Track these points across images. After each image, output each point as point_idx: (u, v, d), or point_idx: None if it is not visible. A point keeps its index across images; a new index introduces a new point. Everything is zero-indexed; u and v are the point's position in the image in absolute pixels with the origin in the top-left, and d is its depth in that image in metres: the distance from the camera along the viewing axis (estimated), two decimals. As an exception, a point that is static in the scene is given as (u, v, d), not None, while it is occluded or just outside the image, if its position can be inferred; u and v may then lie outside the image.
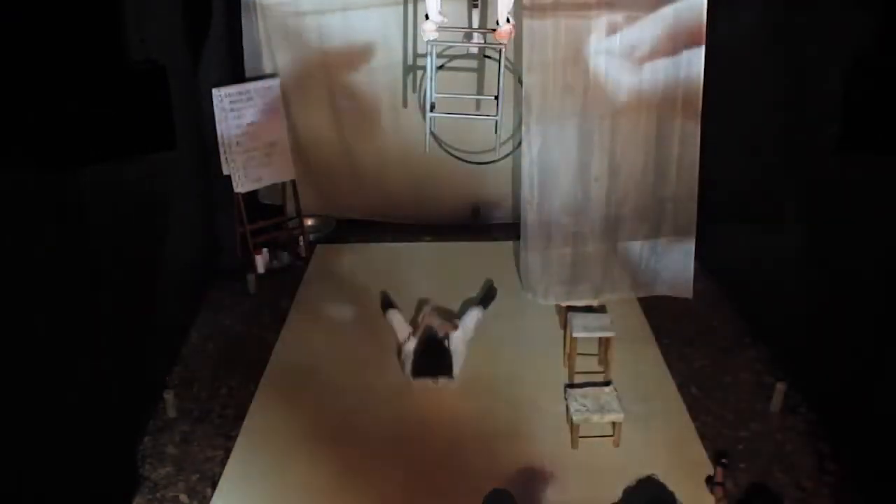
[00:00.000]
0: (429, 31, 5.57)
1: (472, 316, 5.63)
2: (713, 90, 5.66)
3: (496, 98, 5.85)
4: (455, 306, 5.96)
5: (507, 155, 6.96)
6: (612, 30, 5.64)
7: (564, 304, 5.79)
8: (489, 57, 6.64)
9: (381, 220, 7.48)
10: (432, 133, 6.79)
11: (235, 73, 6.79)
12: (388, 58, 6.84)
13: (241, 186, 6.53)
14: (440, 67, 6.71)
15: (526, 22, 5.69)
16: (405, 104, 7.01)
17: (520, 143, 6.72)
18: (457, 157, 7.07)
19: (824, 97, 4.25)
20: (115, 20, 2.98)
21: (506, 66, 5.86)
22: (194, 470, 4.52)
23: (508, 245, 6.92)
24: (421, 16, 5.89)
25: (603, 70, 5.74)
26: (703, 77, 5.60)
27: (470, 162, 7.11)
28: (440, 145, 6.96)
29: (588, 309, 5.60)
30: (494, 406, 4.99)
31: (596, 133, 5.86)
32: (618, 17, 5.62)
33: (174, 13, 5.58)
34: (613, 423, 4.64)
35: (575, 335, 5.20)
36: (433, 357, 5.15)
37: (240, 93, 6.44)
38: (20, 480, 3.31)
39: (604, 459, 4.53)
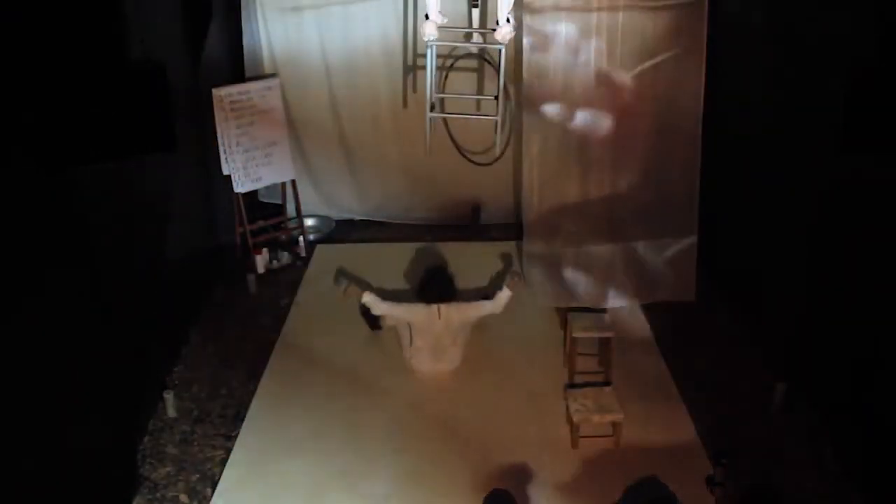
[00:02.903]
0: (429, 31, 5.57)
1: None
2: (714, 90, 5.66)
3: (496, 98, 5.85)
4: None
5: (502, 154, 6.94)
6: (613, 30, 5.64)
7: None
8: (488, 60, 6.64)
9: (381, 220, 7.48)
10: (444, 124, 6.80)
11: (235, 73, 6.80)
12: (389, 57, 6.84)
13: (241, 186, 6.54)
14: (450, 67, 6.71)
15: (526, 22, 5.70)
16: (405, 104, 7.00)
17: (509, 139, 6.76)
18: (464, 156, 7.07)
19: (826, 97, 4.25)
20: (115, 20, 2.99)
21: (505, 81, 5.86)
22: (194, 470, 4.52)
23: (509, 245, 6.92)
24: (421, 15, 5.90)
25: (604, 70, 5.75)
26: (704, 77, 5.61)
27: (472, 161, 7.11)
28: (452, 140, 6.96)
29: (588, 309, 5.59)
30: (494, 406, 4.98)
31: (596, 134, 5.85)
32: (618, 17, 5.62)
33: (174, 13, 5.59)
34: (613, 423, 4.64)
35: (575, 335, 5.20)
36: (439, 283, 5.42)
37: (240, 93, 6.44)
38: (20, 480, 3.31)
39: (604, 459, 4.53)
